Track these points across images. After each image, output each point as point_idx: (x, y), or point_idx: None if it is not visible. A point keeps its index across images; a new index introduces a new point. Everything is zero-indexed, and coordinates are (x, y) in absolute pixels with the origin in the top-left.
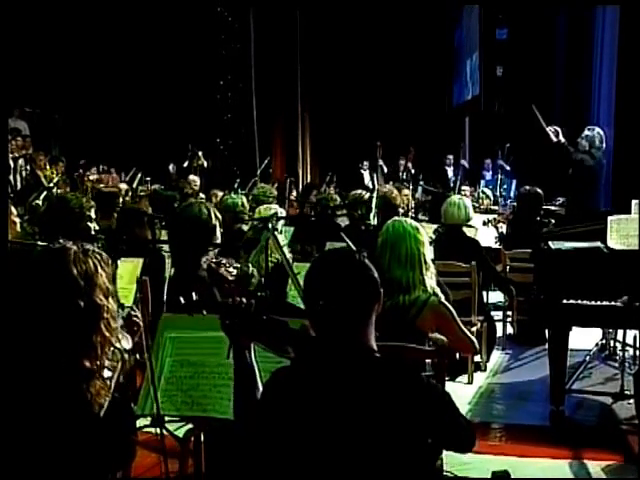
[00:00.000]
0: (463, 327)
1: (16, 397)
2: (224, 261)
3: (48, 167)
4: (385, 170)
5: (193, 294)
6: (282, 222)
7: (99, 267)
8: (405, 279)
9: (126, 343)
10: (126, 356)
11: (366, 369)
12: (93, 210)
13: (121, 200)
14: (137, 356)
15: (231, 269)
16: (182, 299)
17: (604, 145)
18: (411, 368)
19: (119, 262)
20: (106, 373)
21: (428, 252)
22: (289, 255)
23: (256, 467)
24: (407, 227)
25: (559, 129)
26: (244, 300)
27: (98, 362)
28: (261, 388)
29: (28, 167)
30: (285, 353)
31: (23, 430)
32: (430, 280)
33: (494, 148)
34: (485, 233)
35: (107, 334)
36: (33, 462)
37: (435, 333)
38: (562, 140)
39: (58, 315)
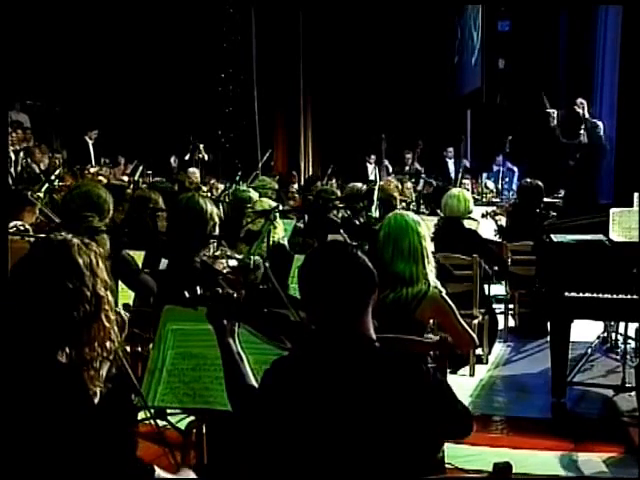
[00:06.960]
0: (463, 322)
1: (12, 383)
2: (218, 253)
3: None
4: (390, 169)
5: (197, 288)
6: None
7: (99, 260)
8: (409, 272)
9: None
10: (119, 350)
11: (366, 358)
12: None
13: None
14: (139, 348)
15: (230, 261)
16: (187, 293)
17: (604, 138)
18: (410, 357)
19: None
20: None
21: (429, 246)
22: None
23: (257, 456)
24: (409, 221)
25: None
26: (229, 290)
27: (95, 352)
28: (251, 376)
29: (28, 159)
30: (282, 344)
31: (18, 417)
32: (431, 274)
33: (501, 141)
34: (484, 226)
35: (107, 325)
36: (28, 450)
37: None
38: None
39: (65, 303)
